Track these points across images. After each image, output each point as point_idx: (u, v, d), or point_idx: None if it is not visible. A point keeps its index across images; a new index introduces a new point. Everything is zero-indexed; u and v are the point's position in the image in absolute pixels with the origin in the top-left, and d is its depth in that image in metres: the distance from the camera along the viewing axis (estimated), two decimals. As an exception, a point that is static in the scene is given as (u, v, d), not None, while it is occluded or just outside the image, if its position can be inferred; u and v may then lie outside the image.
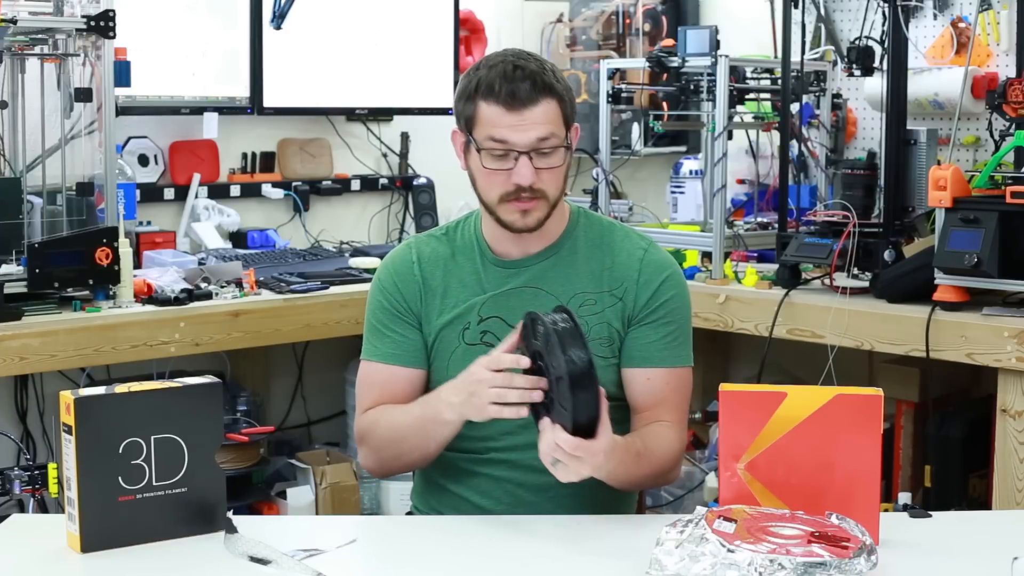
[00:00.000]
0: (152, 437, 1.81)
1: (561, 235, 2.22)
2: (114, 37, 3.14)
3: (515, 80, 2.05)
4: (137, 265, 3.49)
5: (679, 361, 2.20)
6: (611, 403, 2.17)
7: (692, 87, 3.68)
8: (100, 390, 1.81)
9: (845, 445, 1.75)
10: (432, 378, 2.20)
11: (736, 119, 3.68)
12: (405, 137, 4.44)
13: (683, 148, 4.56)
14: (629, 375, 2.18)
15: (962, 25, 3.74)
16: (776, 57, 3.82)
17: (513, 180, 2.08)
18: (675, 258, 3.57)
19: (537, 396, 1.90)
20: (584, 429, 1.86)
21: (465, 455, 2.16)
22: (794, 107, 3.59)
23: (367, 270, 3.62)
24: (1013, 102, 3.01)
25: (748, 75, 3.70)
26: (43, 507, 3.13)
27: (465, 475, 2.18)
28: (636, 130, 4.35)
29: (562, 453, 1.86)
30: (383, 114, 4.36)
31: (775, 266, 3.40)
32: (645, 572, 1.61)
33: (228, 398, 3.73)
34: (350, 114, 4.28)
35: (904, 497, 3.08)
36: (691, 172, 4.13)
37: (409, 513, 2.33)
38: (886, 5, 3.29)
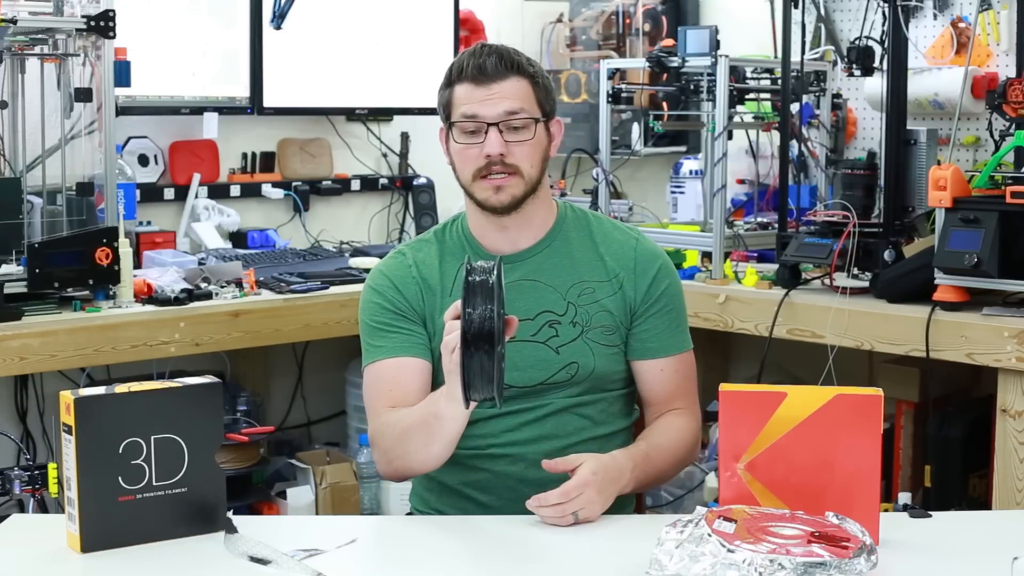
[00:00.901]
0: (152, 437, 1.81)
1: (551, 228, 2.23)
2: (114, 37, 3.14)
3: (482, 55, 2.14)
4: (137, 265, 3.48)
5: (684, 346, 2.25)
6: (614, 392, 2.21)
7: (692, 87, 3.68)
8: (100, 390, 1.81)
9: (845, 445, 1.75)
10: (436, 381, 2.19)
11: (736, 119, 3.68)
12: (405, 137, 4.44)
13: (683, 148, 4.56)
14: (642, 367, 2.21)
15: (962, 25, 3.74)
16: (776, 57, 3.82)
17: (484, 151, 2.12)
18: (675, 258, 3.62)
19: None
20: (472, 389, 1.79)
21: (465, 451, 2.15)
22: (794, 107, 3.59)
23: (367, 270, 3.61)
24: (1013, 102, 3.01)
25: (748, 75, 3.70)
26: (43, 507, 3.13)
27: (466, 472, 2.18)
28: (636, 130, 4.35)
29: (556, 507, 1.91)
30: (383, 114, 4.36)
31: (775, 266, 3.40)
32: (645, 572, 1.61)
33: (228, 398, 3.73)
34: (350, 114, 4.28)
35: (904, 497, 3.08)
36: (691, 172, 4.13)
37: (409, 513, 2.33)
38: (886, 5, 3.29)
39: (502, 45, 2.18)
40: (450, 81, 2.17)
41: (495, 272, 1.79)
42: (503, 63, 2.13)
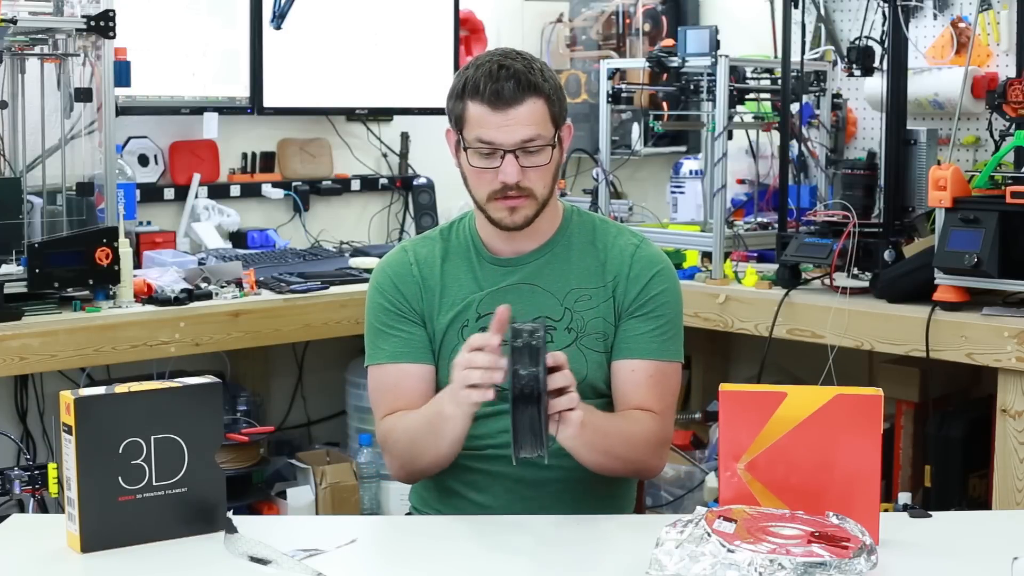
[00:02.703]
0: (152, 437, 1.81)
1: (555, 233, 2.23)
2: (114, 37, 3.14)
3: (500, 80, 2.07)
4: (137, 265, 3.48)
5: (666, 355, 2.19)
6: (606, 398, 2.19)
7: (692, 87, 3.68)
8: (100, 390, 1.81)
9: (845, 445, 1.75)
10: (438, 378, 2.20)
11: (736, 119, 3.68)
12: (405, 137, 4.44)
13: (683, 148, 4.56)
14: (615, 367, 2.18)
15: (962, 25, 3.74)
16: (776, 57, 3.82)
17: (499, 178, 2.10)
18: (675, 258, 3.62)
19: (498, 377, 1.90)
20: (520, 448, 1.86)
21: (463, 452, 2.15)
22: (794, 107, 3.59)
23: (367, 270, 3.62)
24: (1013, 102, 3.01)
25: (748, 75, 3.70)
26: (43, 507, 3.13)
27: (463, 472, 2.18)
28: (636, 130, 4.35)
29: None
30: (383, 114, 4.36)
31: (775, 266, 3.40)
32: (645, 572, 1.61)
33: (228, 398, 3.73)
34: (350, 114, 4.28)
35: (904, 497, 3.08)
36: (691, 172, 4.13)
37: (409, 513, 2.33)
38: (886, 5, 3.29)
39: (519, 62, 2.10)
40: (463, 93, 2.11)
41: (541, 334, 1.86)
42: (520, 87, 2.07)
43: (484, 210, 2.16)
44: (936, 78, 3.69)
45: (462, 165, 2.17)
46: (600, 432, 2.05)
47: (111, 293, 3.15)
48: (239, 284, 3.42)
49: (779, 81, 3.56)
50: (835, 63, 3.88)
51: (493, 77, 2.08)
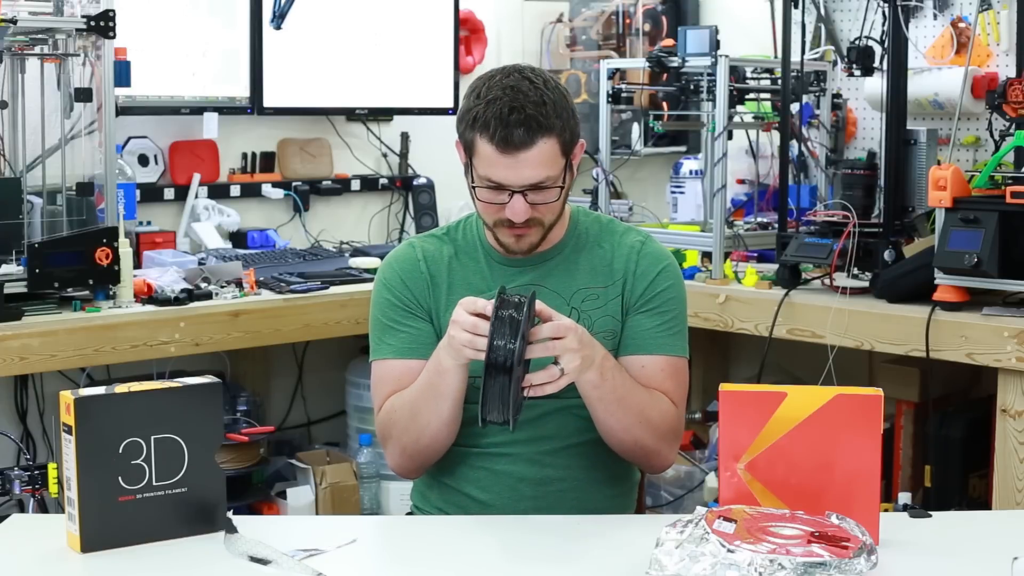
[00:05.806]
0: (152, 437, 1.81)
1: (564, 236, 2.23)
2: (114, 37, 3.14)
3: (509, 125, 2.02)
4: (137, 265, 3.49)
5: (674, 350, 2.20)
6: None
7: (692, 87, 3.68)
8: (100, 390, 1.81)
9: (845, 445, 1.75)
10: None
11: (736, 119, 3.68)
12: (405, 137, 4.44)
13: (683, 148, 4.56)
14: (624, 363, 2.18)
15: (962, 25, 3.74)
16: (776, 57, 3.82)
17: (506, 214, 2.10)
18: (675, 258, 3.62)
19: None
20: (487, 411, 1.89)
21: (464, 449, 2.16)
22: (794, 107, 3.59)
23: (367, 270, 3.62)
24: (1013, 102, 3.01)
25: (748, 75, 3.70)
26: (43, 507, 3.12)
27: (465, 470, 2.18)
28: (636, 130, 4.35)
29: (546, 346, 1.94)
30: (383, 114, 4.36)
31: (775, 266, 3.40)
32: (645, 572, 1.61)
33: (228, 398, 3.73)
34: (350, 114, 4.28)
35: (904, 497, 3.09)
36: (691, 172, 4.13)
37: (409, 513, 2.33)
38: (886, 5, 3.30)
39: (531, 100, 2.03)
40: (472, 124, 2.07)
41: (525, 308, 1.88)
42: (531, 132, 2.03)
43: (491, 230, 2.17)
44: (936, 78, 3.69)
45: (470, 188, 2.15)
46: (618, 393, 2.07)
47: (111, 293, 3.15)
48: (239, 284, 3.42)
49: (779, 81, 3.56)
50: (835, 63, 3.88)
51: (503, 121, 2.02)
